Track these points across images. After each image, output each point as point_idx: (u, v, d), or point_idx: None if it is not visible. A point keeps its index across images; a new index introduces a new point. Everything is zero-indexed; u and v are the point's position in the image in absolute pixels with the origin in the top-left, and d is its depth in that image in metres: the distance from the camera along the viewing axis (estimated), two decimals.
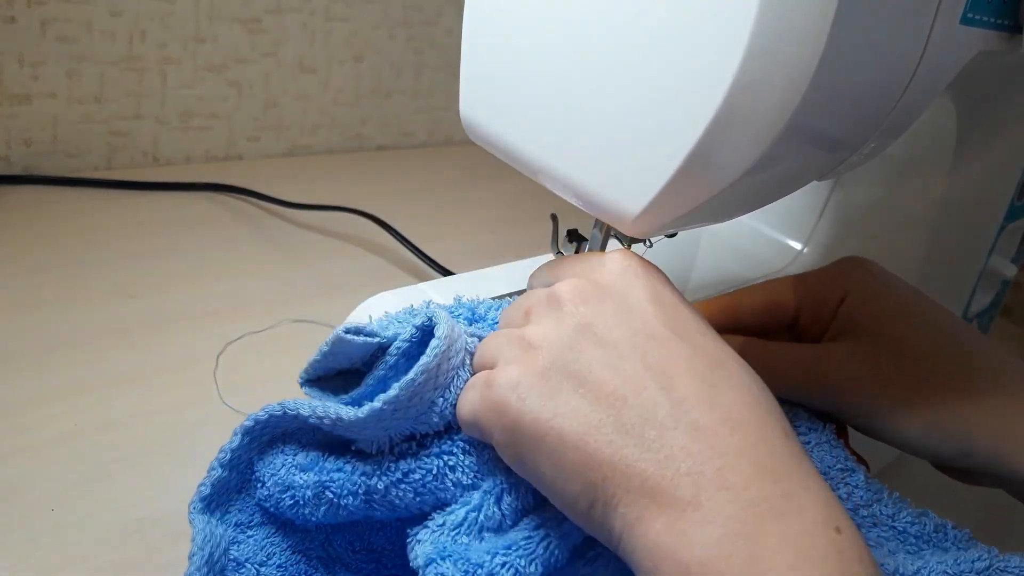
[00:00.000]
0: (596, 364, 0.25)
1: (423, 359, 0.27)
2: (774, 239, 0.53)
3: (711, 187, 0.28)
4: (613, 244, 0.39)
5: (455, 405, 0.29)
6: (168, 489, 0.39)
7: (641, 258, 0.29)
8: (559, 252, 0.41)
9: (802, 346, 0.32)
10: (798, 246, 0.53)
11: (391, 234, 0.67)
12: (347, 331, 0.28)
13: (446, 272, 0.63)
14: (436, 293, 0.41)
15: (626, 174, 0.29)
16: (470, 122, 0.36)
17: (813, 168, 0.33)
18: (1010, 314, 0.86)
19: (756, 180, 0.29)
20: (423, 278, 0.59)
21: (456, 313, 0.33)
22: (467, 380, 0.29)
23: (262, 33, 0.78)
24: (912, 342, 0.30)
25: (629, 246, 0.38)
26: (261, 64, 0.80)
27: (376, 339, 0.29)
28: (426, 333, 0.30)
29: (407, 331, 0.30)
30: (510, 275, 0.44)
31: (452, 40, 0.96)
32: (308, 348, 0.30)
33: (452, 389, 0.29)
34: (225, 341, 0.51)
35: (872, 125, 0.31)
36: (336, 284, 0.61)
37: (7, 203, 0.63)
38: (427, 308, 0.32)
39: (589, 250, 0.40)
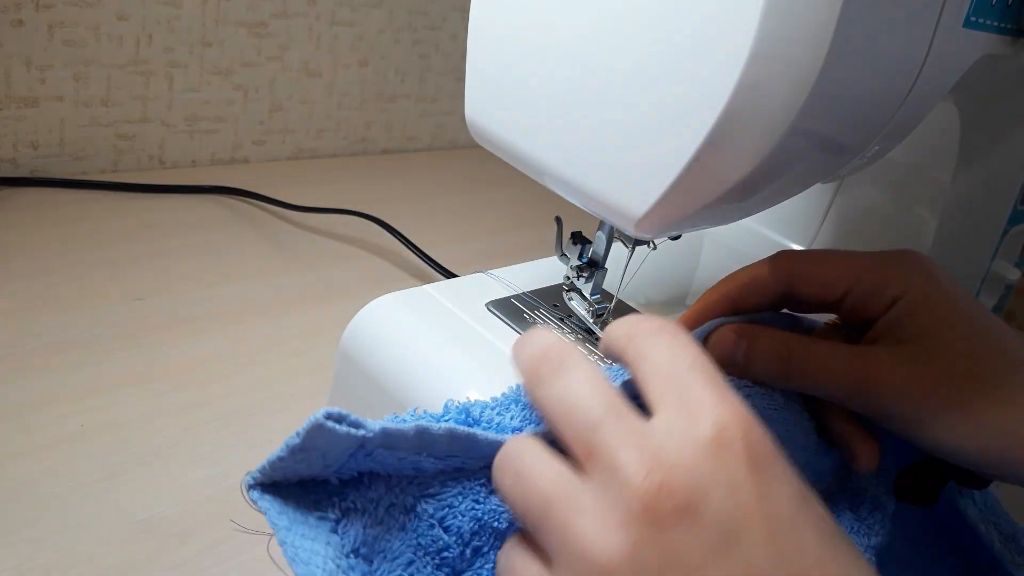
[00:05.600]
0: None
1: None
2: (777, 242, 0.53)
3: (715, 189, 0.28)
4: (616, 246, 0.39)
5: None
6: (174, 490, 0.39)
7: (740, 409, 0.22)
8: (563, 254, 0.41)
9: (846, 348, 0.31)
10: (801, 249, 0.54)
11: (395, 237, 0.67)
12: (328, 416, 0.22)
13: (450, 275, 0.63)
14: (440, 295, 0.41)
15: (631, 176, 0.30)
16: (475, 125, 0.37)
17: (816, 171, 0.33)
18: (1013, 318, 0.86)
19: (760, 183, 0.29)
20: (427, 280, 0.59)
21: (446, 418, 0.27)
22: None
23: (268, 37, 0.79)
24: (960, 351, 0.29)
25: (633, 248, 0.38)
26: (267, 68, 0.80)
27: (362, 431, 0.22)
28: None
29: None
30: (514, 277, 0.44)
31: (457, 44, 0.96)
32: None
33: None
34: (229, 342, 0.51)
35: (875, 129, 0.31)
36: (341, 286, 0.62)
37: (14, 205, 0.63)
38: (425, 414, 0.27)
39: (593, 252, 0.40)
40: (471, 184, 0.91)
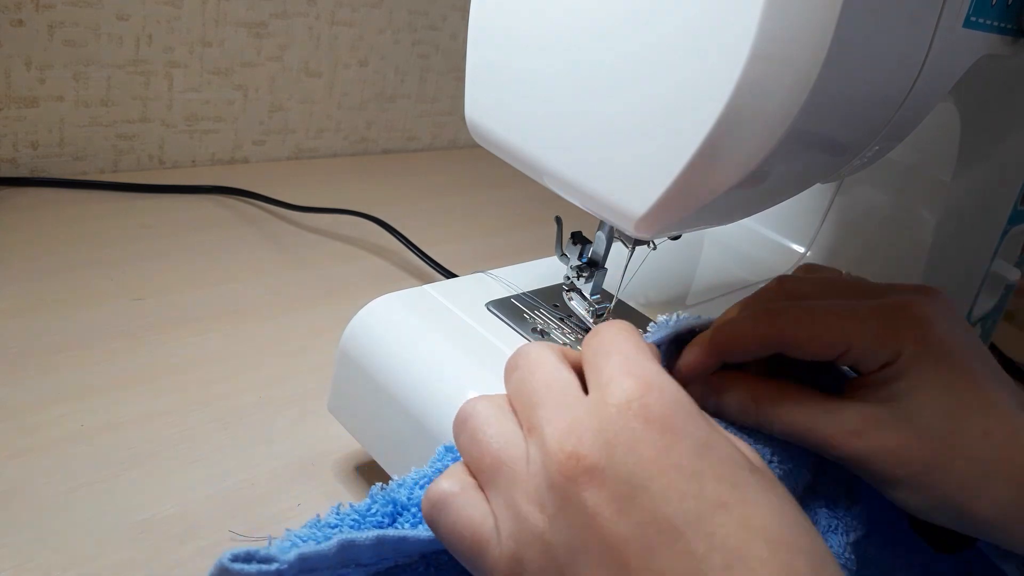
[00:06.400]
0: None
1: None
2: (777, 242, 0.53)
3: (715, 189, 0.28)
4: (616, 246, 0.39)
5: None
6: (174, 490, 0.39)
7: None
8: (563, 254, 0.41)
9: (816, 402, 0.30)
10: (801, 249, 0.54)
11: (395, 237, 0.67)
12: (235, 558, 0.22)
13: (450, 275, 0.63)
14: (440, 295, 0.41)
15: (631, 176, 0.30)
16: (475, 125, 0.37)
17: (817, 171, 0.33)
18: (1012, 319, 0.86)
19: (760, 183, 0.29)
20: (427, 280, 0.59)
21: (372, 510, 0.27)
22: None
23: (268, 37, 0.79)
24: (928, 420, 0.29)
25: (633, 247, 0.38)
26: (267, 68, 0.80)
27: (274, 565, 0.22)
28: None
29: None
30: (514, 277, 0.44)
31: (456, 44, 0.96)
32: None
33: None
34: (229, 342, 0.51)
35: (875, 129, 0.31)
36: (341, 286, 0.62)
37: (14, 205, 0.63)
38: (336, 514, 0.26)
39: (593, 252, 0.40)
40: (471, 184, 0.91)
